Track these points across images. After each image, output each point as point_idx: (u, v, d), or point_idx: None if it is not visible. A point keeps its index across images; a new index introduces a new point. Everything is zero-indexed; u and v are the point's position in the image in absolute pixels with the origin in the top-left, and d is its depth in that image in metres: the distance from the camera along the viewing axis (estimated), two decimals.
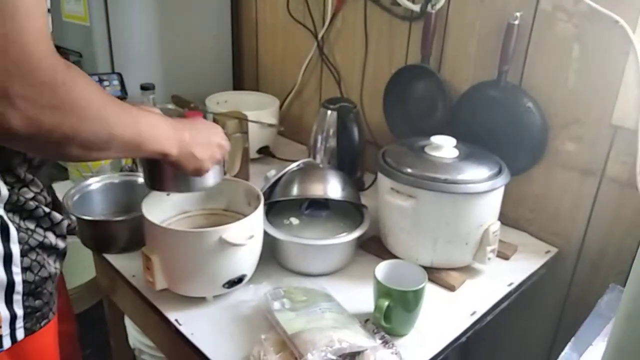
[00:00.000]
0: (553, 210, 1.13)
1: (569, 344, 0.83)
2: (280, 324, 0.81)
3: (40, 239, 0.70)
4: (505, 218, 1.09)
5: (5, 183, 0.65)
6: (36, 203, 0.69)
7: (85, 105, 0.57)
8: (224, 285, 0.89)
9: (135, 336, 1.37)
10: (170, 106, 1.40)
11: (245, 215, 0.88)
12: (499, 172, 0.97)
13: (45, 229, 0.71)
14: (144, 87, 1.23)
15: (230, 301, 0.92)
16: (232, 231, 0.84)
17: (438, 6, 1.16)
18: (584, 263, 1.11)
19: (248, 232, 0.86)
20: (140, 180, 1.16)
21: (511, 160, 1.02)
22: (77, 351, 1.01)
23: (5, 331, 0.67)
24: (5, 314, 0.66)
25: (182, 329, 0.86)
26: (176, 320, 0.88)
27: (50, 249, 0.72)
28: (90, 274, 1.32)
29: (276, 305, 0.85)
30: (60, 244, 0.74)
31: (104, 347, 1.35)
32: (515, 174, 1.05)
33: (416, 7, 1.20)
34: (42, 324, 0.72)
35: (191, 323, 0.87)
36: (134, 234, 0.96)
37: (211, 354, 0.82)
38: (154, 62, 1.50)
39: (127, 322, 1.34)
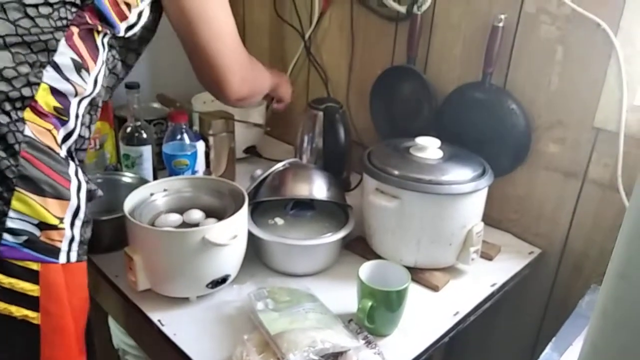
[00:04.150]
0: (536, 212, 1.14)
1: (550, 344, 0.84)
2: (264, 324, 0.80)
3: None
4: (489, 219, 1.09)
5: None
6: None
7: (260, 83, 1.08)
8: (207, 286, 0.88)
9: (119, 336, 1.36)
10: (156, 105, 1.39)
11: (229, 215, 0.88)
12: (483, 173, 0.98)
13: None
14: (129, 86, 1.21)
15: (214, 301, 0.92)
16: (215, 231, 0.83)
17: (424, 7, 1.16)
18: (566, 264, 1.12)
19: (231, 232, 0.86)
20: (124, 179, 1.15)
21: (495, 162, 1.03)
22: None
23: (65, 247, 0.73)
24: (68, 233, 0.73)
25: (164, 329, 0.86)
26: (159, 320, 0.87)
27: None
28: None
29: (260, 305, 0.85)
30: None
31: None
32: (499, 175, 1.06)
33: (402, 8, 1.20)
34: (84, 258, 0.78)
35: (174, 323, 0.87)
36: (118, 234, 0.95)
37: (194, 354, 0.81)
38: (139, 60, 1.48)
39: (111, 322, 1.33)
